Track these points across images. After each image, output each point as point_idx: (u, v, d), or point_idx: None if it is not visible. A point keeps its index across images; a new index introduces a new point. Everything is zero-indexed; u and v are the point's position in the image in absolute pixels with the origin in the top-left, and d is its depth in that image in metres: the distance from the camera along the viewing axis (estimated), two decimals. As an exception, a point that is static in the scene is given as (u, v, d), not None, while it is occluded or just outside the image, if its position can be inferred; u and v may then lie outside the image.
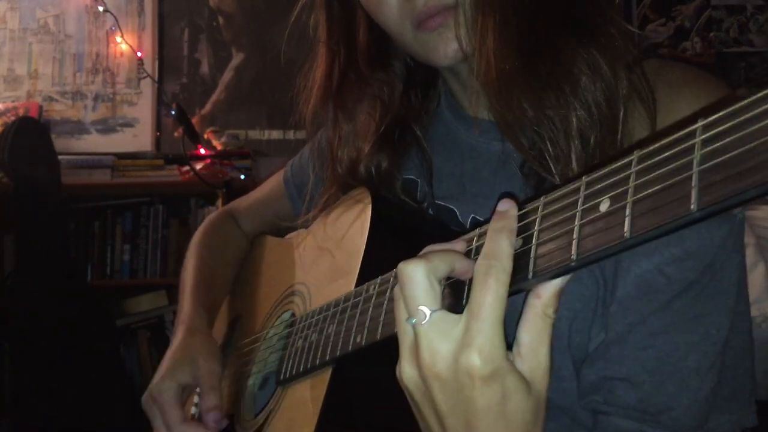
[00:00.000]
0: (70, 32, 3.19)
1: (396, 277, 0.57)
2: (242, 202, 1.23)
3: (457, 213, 0.80)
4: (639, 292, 0.67)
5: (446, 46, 0.73)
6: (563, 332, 0.71)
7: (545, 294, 0.50)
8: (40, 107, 3.08)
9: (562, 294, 0.50)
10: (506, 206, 0.53)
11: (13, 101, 3.10)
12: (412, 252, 0.58)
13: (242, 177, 2.81)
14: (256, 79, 3.21)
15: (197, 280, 1.06)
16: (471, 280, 0.51)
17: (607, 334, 0.69)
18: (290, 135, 3.16)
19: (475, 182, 0.82)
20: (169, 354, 0.94)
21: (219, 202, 2.83)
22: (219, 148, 2.93)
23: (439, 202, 0.83)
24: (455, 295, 0.54)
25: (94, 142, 3.11)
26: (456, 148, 0.85)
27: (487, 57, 0.69)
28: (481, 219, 0.77)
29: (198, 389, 0.92)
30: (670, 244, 0.65)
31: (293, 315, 0.91)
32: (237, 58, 3.24)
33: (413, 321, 0.51)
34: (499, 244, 0.50)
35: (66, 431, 2.36)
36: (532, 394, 0.50)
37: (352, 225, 0.83)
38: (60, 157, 2.66)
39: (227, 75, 3.23)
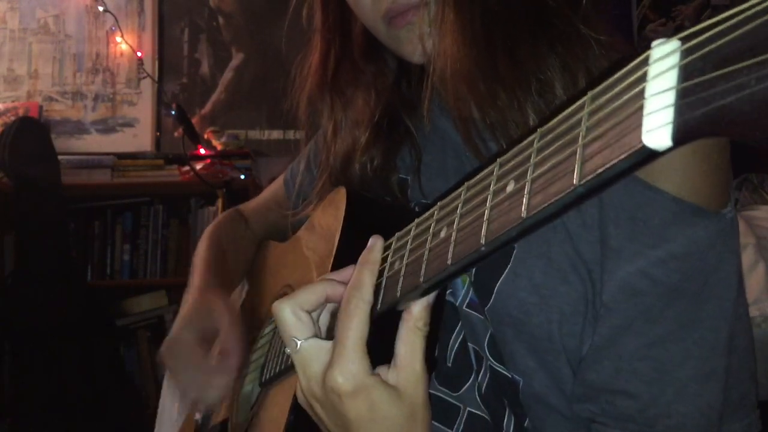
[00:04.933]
0: (70, 32, 3.19)
1: None
2: (248, 205, 1.23)
3: None
4: (624, 296, 0.66)
5: (413, 44, 0.75)
6: (554, 335, 0.70)
7: (415, 309, 0.55)
8: (40, 107, 3.07)
9: (431, 308, 0.56)
10: (373, 242, 0.59)
11: (13, 101, 3.10)
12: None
13: (242, 177, 2.81)
14: (256, 79, 3.21)
15: (209, 261, 1.04)
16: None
17: (593, 338, 0.69)
18: (290, 135, 3.15)
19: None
20: (182, 312, 0.92)
21: (219, 202, 2.83)
22: (219, 148, 2.93)
23: (428, 201, 0.83)
24: None
25: (94, 142, 3.11)
26: (442, 144, 0.85)
27: (444, 55, 0.70)
28: None
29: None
30: (654, 246, 0.64)
31: None
32: (237, 58, 3.24)
33: (287, 350, 0.59)
34: (362, 276, 0.57)
35: (66, 431, 2.36)
36: (404, 401, 0.55)
37: (327, 226, 0.83)
38: (60, 157, 2.66)
39: (227, 75, 3.23)
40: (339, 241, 0.76)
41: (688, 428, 0.65)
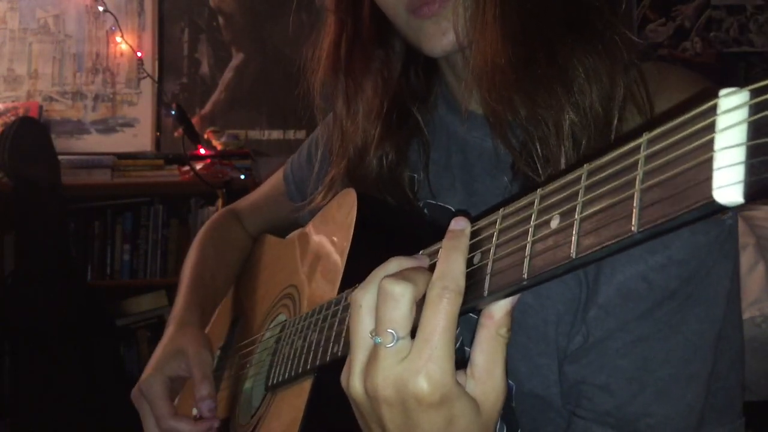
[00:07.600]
0: (70, 32, 3.19)
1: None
2: (244, 201, 1.22)
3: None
4: (621, 299, 0.66)
5: (441, 36, 0.72)
6: (550, 336, 0.70)
7: (497, 314, 0.49)
8: (40, 107, 3.08)
9: (513, 312, 0.49)
10: (460, 225, 0.51)
11: (13, 101, 3.10)
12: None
13: (242, 177, 2.81)
14: (256, 79, 3.20)
15: (194, 278, 1.06)
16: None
17: (586, 340, 0.68)
18: (290, 135, 3.15)
19: (467, 178, 0.80)
20: (158, 349, 0.93)
21: (219, 202, 2.83)
22: (219, 148, 2.93)
23: (436, 202, 0.82)
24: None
25: (94, 142, 3.11)
26: (448, 141, 0.84)
27: (484, 51, 0.68)
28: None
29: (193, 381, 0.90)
30: (654, 251, 0.63)
31: (286, 318, 0.90)
32: (237, 58, 3.24)
33: (378, 340, 0.50)
34: (452, 264, 0.49)
35: (66, 431, 2.36)
36: (482, 417, 0.49)
37: (338, 227, 0.81)
38: (60, 157, 2.66)
39: (227, 75, 3.22)
40: (351, 245, 0.75)
41: (668, 429, 0.65)
